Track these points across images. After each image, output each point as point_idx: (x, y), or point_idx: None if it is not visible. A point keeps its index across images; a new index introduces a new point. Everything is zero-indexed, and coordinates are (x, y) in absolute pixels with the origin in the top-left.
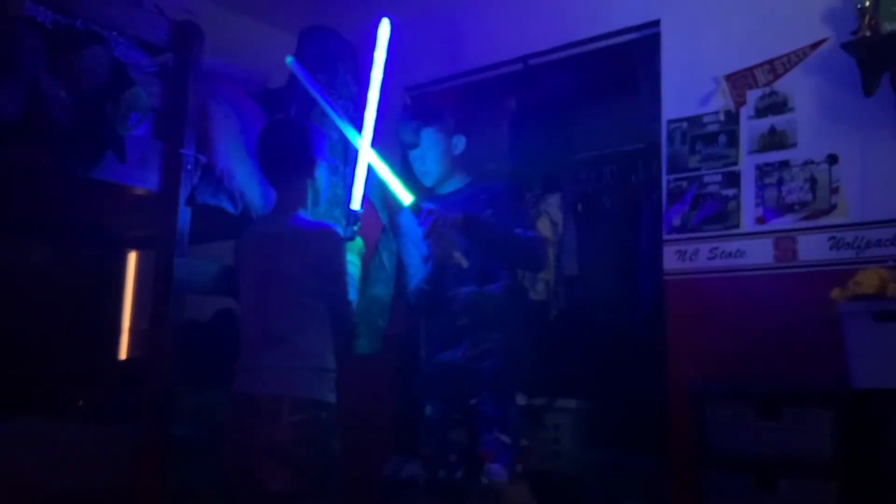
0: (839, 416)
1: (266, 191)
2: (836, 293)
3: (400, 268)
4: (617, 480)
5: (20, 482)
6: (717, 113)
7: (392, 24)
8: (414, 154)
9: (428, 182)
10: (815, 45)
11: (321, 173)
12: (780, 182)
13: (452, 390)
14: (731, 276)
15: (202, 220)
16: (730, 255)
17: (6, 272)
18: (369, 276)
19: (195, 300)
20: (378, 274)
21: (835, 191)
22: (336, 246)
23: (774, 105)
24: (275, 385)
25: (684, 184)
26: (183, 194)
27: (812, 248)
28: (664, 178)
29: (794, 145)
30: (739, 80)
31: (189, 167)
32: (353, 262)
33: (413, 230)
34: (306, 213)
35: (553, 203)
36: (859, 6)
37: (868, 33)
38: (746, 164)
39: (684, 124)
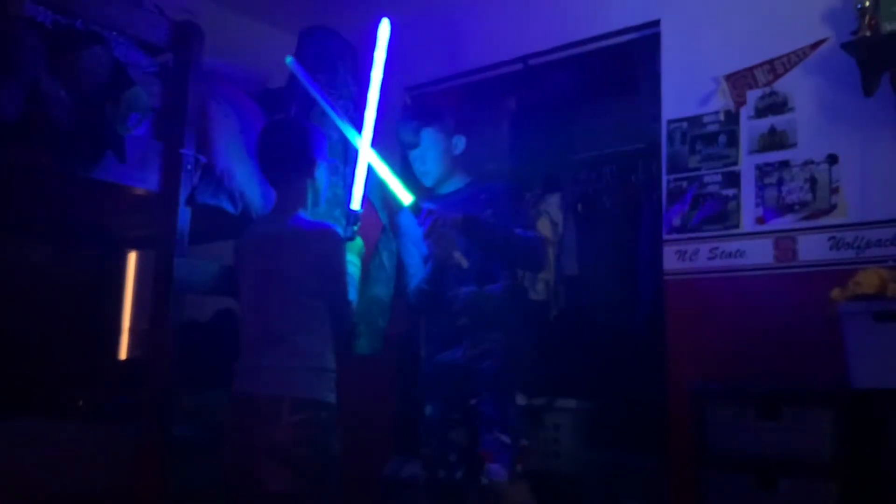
0: (839, 416)
1: (266, 191)
2: (836, 293)
3: (400, 268)
4: (617, 480)
5: (20, 482)
6: (717, 113)
7: (392, 24)
8: (414, 154)
9: (428, 182)
10: (815, 45)
11: (321, 173)
12: (780, 182)
13: (452, 390)
14: (731, 276)
15: (202, 220)
16: (730, 255)
17: (6, 272)
18: (369, 276)
19: (195, 300)
20: (378, 274)
21: (835, 191)
22: (336, 246)
23: (774, 105)
24: (275, 385)
25: (684, 184)
26: (183, 194)
27: (812, 248)
28: (664, 178)
29: (794, 145)
30: (739, 80)
31: (189, 167)
32: (353, 261)
33: (413, 230)
34: (306, 213)
35: (553, 203)
36: (859, 6)
37: (868, 33)
38: (746, 164)
39: (684, 124)
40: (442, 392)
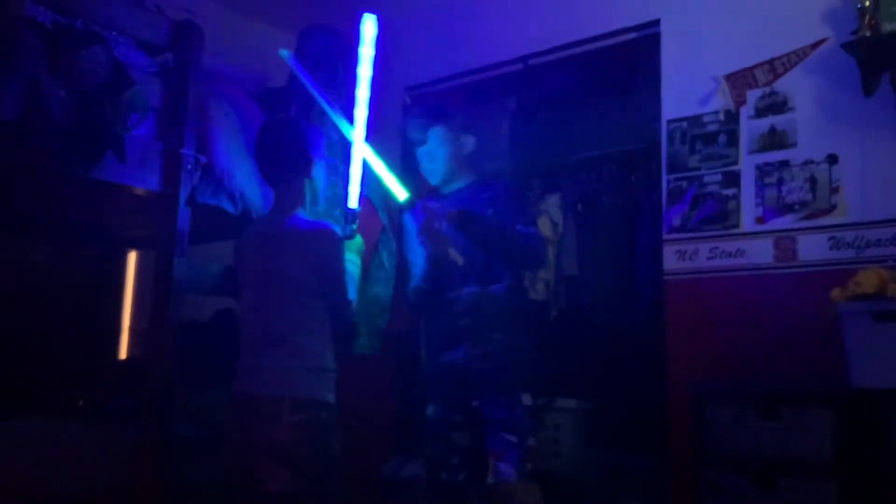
0: (839, 416)
1: (266, 190)
2: (836, 293)
3: (401, 267)
4: (617, 480)
5: (20, 482)
6: (717, 113)
7: (392, 23)
8: (422, 151)
9: (434, 180)
10: (815, 45)
11: (319, 173)
12: (780, 182)
13: (454, 391)
14: (730, 276)
15: (202, 220)
16: (730, 254)
17: (6, 272)
18: (369, 276)
19: (195, 300)
20: (378, 274)
21: (835, 191)
22: (335, 245)
23: (774, 105)
24: (275, 385)
25: (684, 184)
26: (183, 194)
27: (812, 247)
28: (664, 177)
29: (794, 145)
30: (739, 80)
31: (189, 167)
32: (352, 260)
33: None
34: (305, 213)
35: (553, 203)
36: (859, 6)
37: (868, 33)
38: (746, 164)
39: (684, 124)
40: (444, 393)
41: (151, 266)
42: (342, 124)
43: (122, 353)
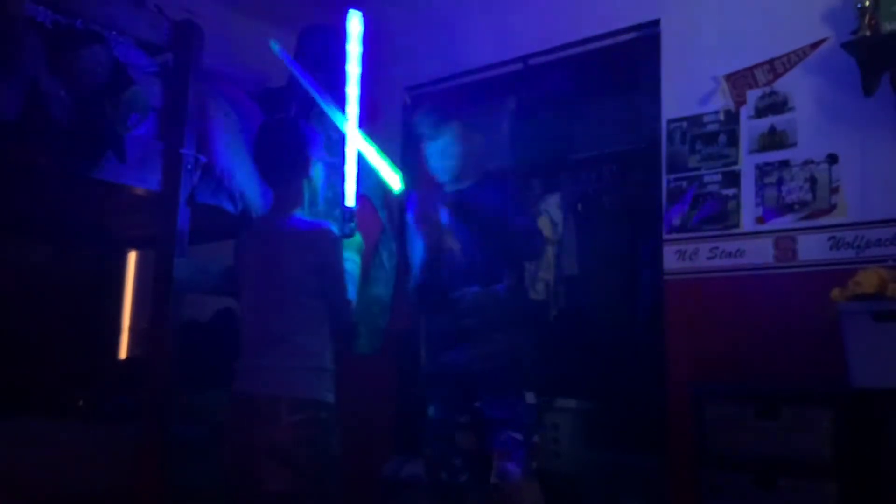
0: (839, 416)
1: (266, 190)
2: (835, 293)
3: (403, 268)
4: (617, 480)
5: (20, 482)
6: (717, 112)
7: (392, 23)
8: (433, 147)
9: (444, 177)
10: (815, 45)
11: (317, 173)
12: (780, 182)
13: (456, 392)
14: (730, 276)
15: (202, 219)
16: (730, 254)
17: (6, 272)
18: (369, 276)
19: (195, 300)
20: (378, 274)
21: (835, 190)
22: (333, 245)
23: (774, 105)
24: (274, 385)
25: (684, 183)
26: (183, 194)
27: (812, 247)
28: (664, 177)
29: (793, 145)
30: (739, 80)
31: (189, 167)
32: (352, 258)
33: (417, 217)
34: (303, 213)
35: (553, 203)
36: (859, 6)
37: (868, 33)
38: (746, 164)
39: (684, 124)
40: (445, 393)
41: (151, 266)
42: (339, 121)
43: (122, 353)
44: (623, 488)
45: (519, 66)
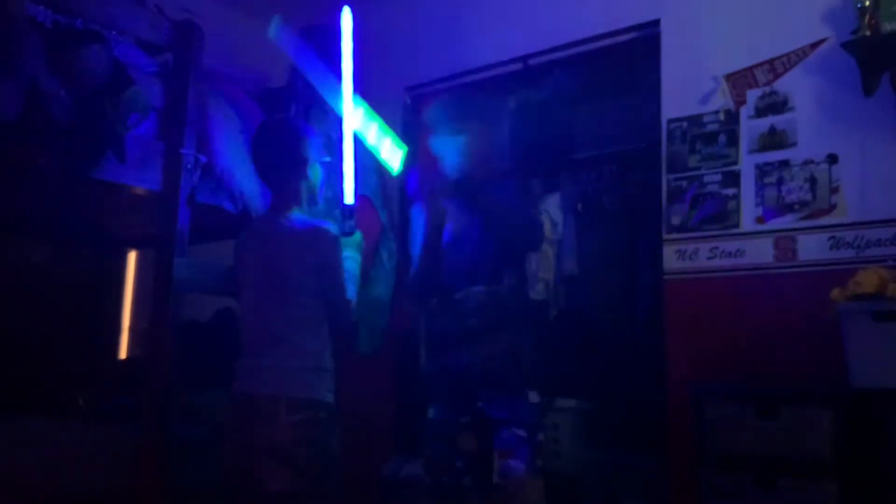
0: (839, 416)
1: (266, 190)
2: (835, 293)
3: (403, 258)
4: (617, 480)
5: (20, 482)
6: (717, 112)
7: (392, 23)
8: (449, 142)
9: (458, 173)
10: (815, 45)
11: (315, 173)
12: (780, 181)
13: (459, 392)
14: (730, 276)
15: (203, 219)
16: (729, 254)
17: (6, 272)
18: (369, 276)
19: (195, 300)
20: (378, 274)
21: (835, 190)
22: (330, 244)
23: (774, 104)
24: (274, 385)
25: (684, 183)
26: (183, 194)
27: (812, 247)
28: (664, 177)
29: (793, 145)
30: (739, 80)
31: (189, 167)
32: (352, 256)
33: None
34: (301, 213)
35: (553, 203)
36: (859, 6)
37: (868, 33)
38: (746, 164)
39: (684, 124)
40: (447, 394)
41: (151, 266)
42: (332, 95)
43: (122, 353)
44: (623, 488)
45: (519, 66)
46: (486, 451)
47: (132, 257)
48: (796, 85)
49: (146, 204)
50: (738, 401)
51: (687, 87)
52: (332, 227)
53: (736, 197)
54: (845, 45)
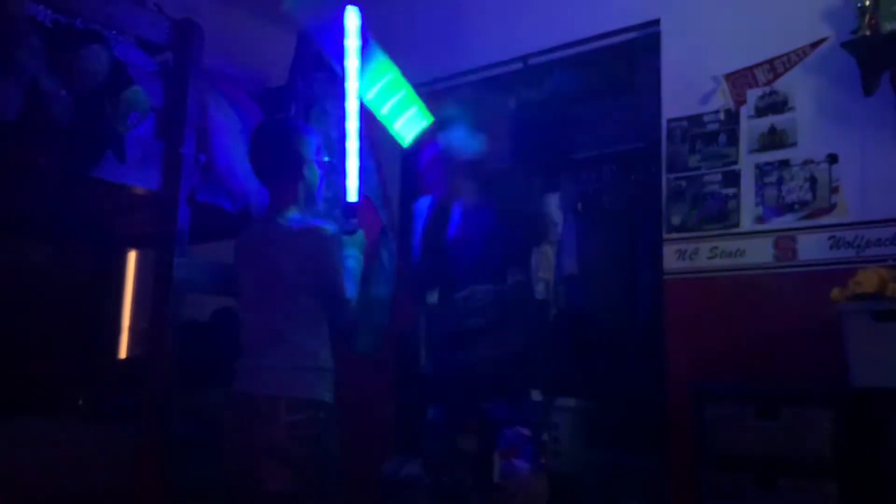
0: (839, 416)
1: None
2: (835, 293)
3: (404, 257)
4: (617, 480)
5: (20, 482)
6: (717, 112)
7: (392, 22)
8: (467, 134)
9: (463, 167)
10: (815, 45)
11: (312, 173)
12: (780, 181)
13: (462, 393)
14: (730, 276)
15: (203, 219)
16: (730, 254)
17: (6, 272)
18: (369, 276)
19: (195, 299)
20: (378, 273)
21: (835, 190)
22: (325, 244)
23: (774, 104)
24: (273, 385)
25: (684, 183)
26: (183, 193)
27: (812, 247)
28: (664, 177)
29: (794, 144)
30: (739, 80)
31: (189, 166)
32: (354, 255)
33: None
34: (299, 213)
35: (553, 203)
36: (859, 5)
37: (868, 32)
38: (746, 164)
39: (684, 123)
40: (450, 395)
41: (151, 266)
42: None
43: (122, 353)
44: (623, 488)
45: (519, 65)
46: (486, 451)
47: (132, 257)
48: (796, 85)
49: (146, 204)
50: (738, 401)
51: (687, 86)
52: (329, 227)
53: (736, 196)
54: (845, 45)
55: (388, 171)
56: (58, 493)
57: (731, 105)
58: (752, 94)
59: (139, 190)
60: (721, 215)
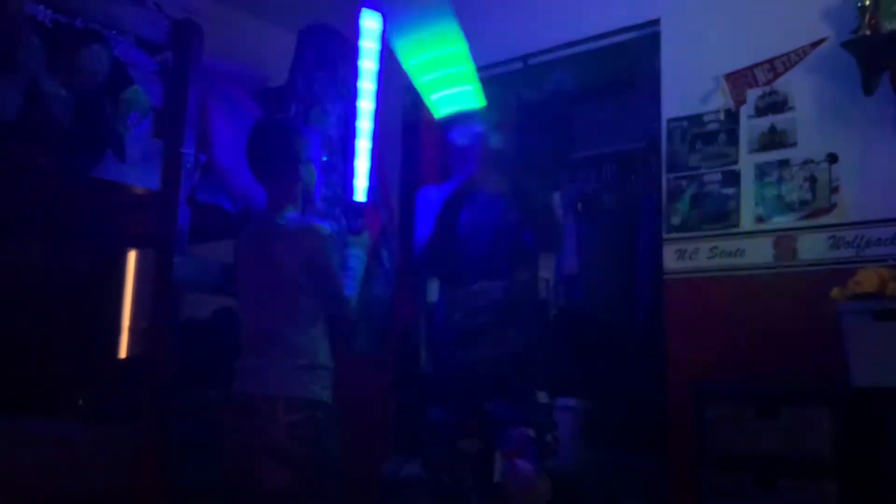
0: (839, 416)
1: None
2: (835, 292)
3: (402, 267)
4: (617, 480)
5: (20, 482)
6: (717, 112)
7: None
8: (488, 128)
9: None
10: (815, 44)
11: (309, 173)
12: (780, 181)
13: (465, 393)
14: (730, 276)
15: (203, 218)
16: (729, 254)
17: (6, 272)
18: (369, 276)
19: (195, 299)
20: (378, 273)
21: (834, 190)
22: (320, 243)
23: (774, 104)
24: (272, 385)
25: (684, 183)
26: (183, 193)
27: (812, 247)
28: (664, 177)
29: (793, 144)
30: (739, 79)
31: (189, 166)
32: (358, 255)
33: (428, 209)
34: (296, 212)
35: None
36: (859, 5)
37: (868, 32)
38: (746, 163)
39: (684, 123)
40: (452, 394)
41: (151, 265)
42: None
43: (122, 353)
44: (623, 488)
45: (519, 65)
46: (487, 451)
47: (132, 257)
48: (796, 84)
49: (146, 203)
50: (738, 401)
51: (687, 86)
52: (327, 226)
53: (736, 196)
54: (845, 45)
55: (387, 164)
56: (58, 493)
57: (731, 105)
58: (752, 94)
59: (139, 190)
60: (721, 215)
